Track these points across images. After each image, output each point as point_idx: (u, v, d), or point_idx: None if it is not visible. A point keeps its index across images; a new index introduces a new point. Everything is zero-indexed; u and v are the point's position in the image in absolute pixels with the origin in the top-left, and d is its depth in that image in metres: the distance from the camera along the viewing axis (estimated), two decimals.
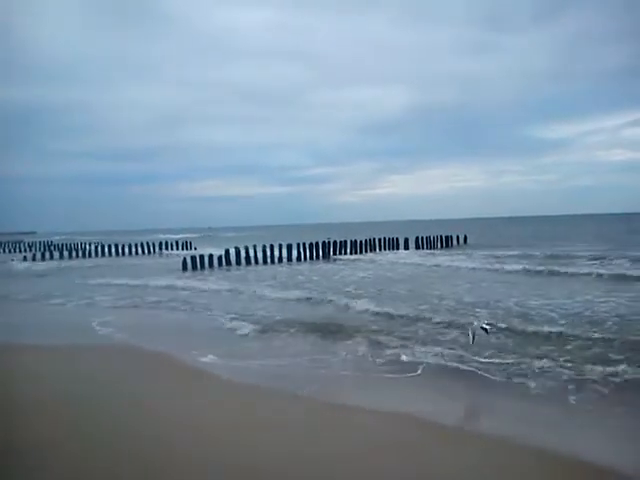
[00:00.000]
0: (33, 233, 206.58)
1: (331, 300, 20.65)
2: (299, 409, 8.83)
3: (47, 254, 59.08)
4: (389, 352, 12.44)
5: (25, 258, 55.68)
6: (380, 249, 52.43)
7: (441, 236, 59.19)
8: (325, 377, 10.70)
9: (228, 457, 6.81)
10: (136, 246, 64.21)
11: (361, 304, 19.11)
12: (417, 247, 54.52)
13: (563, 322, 15.24)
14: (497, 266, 32.93)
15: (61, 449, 7.01)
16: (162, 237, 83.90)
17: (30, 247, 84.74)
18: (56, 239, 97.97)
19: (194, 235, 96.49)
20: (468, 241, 60.26)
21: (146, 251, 64.35)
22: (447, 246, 56.77)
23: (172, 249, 65.55)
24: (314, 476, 6.36)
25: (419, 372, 10.79)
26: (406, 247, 54.64)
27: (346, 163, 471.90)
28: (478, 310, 17.45)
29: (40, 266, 47.38)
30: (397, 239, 55.58)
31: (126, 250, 63.03)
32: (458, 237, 60.26)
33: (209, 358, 12.17)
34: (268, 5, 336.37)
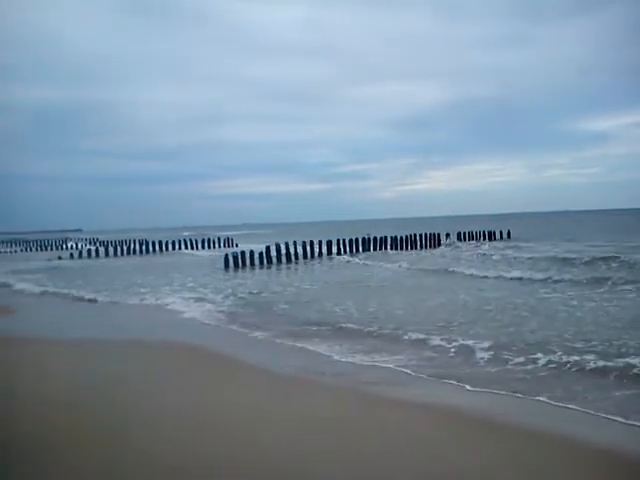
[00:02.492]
0: (79, 230, 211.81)
1: None
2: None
3: (93, 251, 60.50)
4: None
5: (72, 255, 57.14)
6: (422, 246, 51.81)
7: (484, 231, 58.45)
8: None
9: (270, 456, 6.80)
10: (179, 243, 65.29)
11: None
12: (459, 242, 53.93)
13: None
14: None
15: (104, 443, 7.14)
16: (203, 234, 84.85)
17: (76, 244, 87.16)
18: (102, 237, 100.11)
19: (232, 232, 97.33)
20: (512, 235, 59.15)
21: (189, 247, 65.37)
22: (490, 241, 55.92)
23: (214, 247, 66.25)
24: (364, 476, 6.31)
25: None
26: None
27: (382, 159, 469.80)
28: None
29: (91, 262, 48.58)
30: (438, 235, 55.05)
31: (169, 247, 64.22)
32: (502, 232, 59.30)
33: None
34: (299, 2, 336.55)
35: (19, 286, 28.60)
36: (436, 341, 13.21)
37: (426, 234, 54.40)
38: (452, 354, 12.13)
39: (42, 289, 26.86)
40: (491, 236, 58.21)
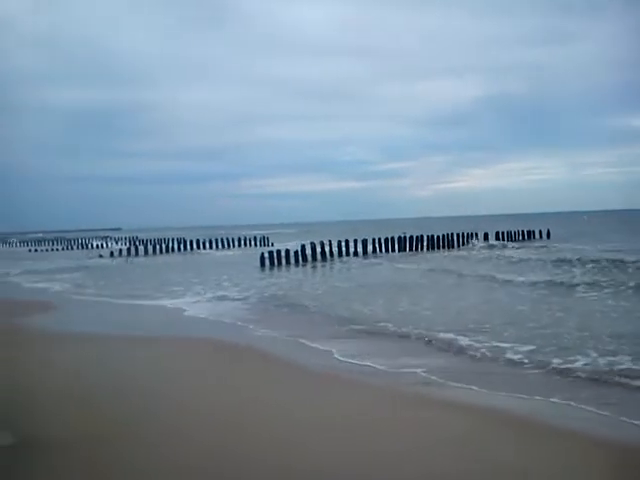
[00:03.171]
0: (119, 229, 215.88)
1: None
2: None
3: (132, 249, 61.53)
4: None
5: (112, 254, 58.15)
6: (458, 245, 51.14)
7: (522, 230, 57.41)
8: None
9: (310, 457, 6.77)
10: (217, 241, 65.98)
11: None
12: (497, 241, 53.05)
13: None
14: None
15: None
16: (238, 233, 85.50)
17: (117, 242, 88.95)
18: (141, 235, 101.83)
19: (268, 231, 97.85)
20: (551, 236, 57.69)
21: (225, 246, 65.99)
22: (529, 241, 54.89)
23: (250, 245, 66.68)
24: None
25: None
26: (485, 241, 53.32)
27: (419, 157, 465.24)
28: None
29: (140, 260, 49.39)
30: (476, 234, 54.34)
31: (207, 245, 64.95)
32: (541, 232, 58.10)
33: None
34: (337, 1, 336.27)
35: (59, 285, 29.25)
36: (468, 342, 13.06)
37: (463, 233, 53.75)
38: (485, 356, 11.94)
39: (82, 288, 27.42)
40: (530, 235, 57.17)
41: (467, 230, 55.96)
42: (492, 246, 49.09)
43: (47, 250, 77.43)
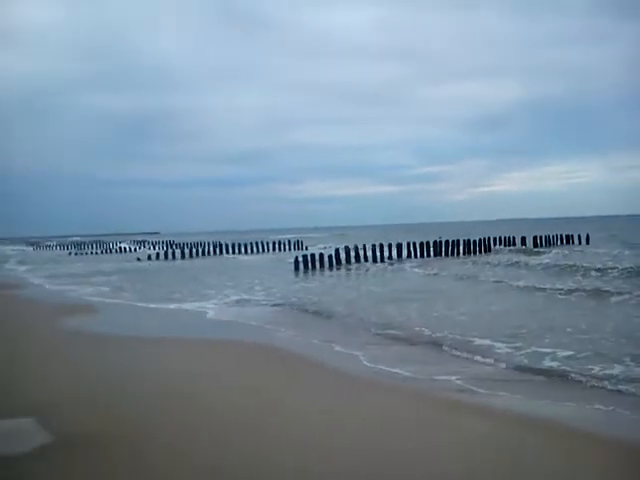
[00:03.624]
0: (157, 233, 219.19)
1: None
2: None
3: (170, 253, 62.46)
4: None
5: (149, 257, 59.12)
6: (494, 249, 50.33)
7: (561, 235, 56.32)
8: None
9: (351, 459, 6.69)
10: (251, 245, 66.50)
11: None
12: (535, 247, 52.14)
13: None
14: None
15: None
16: (273, 237, 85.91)
17: (154, 246, 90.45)
18: (178, 239, 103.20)
19: (303, 235, 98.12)
20: (590, 240, 56.19)
21: (260, 250, 66.44)
22: (567, 246, 53.68)
23: (285, 249, 66.91)
24: None
25: None
26: (523, 246, 52.44)
27: (456, 161, 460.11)
28: None
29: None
30: (513, 238, 53.54)
31: (242, 249, 65.52)
32: (580, 236, 56.76)
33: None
34: (370, 4, 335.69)
35: (98, 288, 29.79)
36: (504, 348, 12.87)
37: (500, 238, 53.02)
38: (522, 362, 11.69)
39: (119, 290, 27.87)
40: (568, 240, 55.97)
41: (504, 234, 55.15)
42: (529, 251, 48.18)
43: (86, 253, 79.03)
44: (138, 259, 58.07)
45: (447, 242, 48.33)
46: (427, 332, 15.03)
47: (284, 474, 6.33)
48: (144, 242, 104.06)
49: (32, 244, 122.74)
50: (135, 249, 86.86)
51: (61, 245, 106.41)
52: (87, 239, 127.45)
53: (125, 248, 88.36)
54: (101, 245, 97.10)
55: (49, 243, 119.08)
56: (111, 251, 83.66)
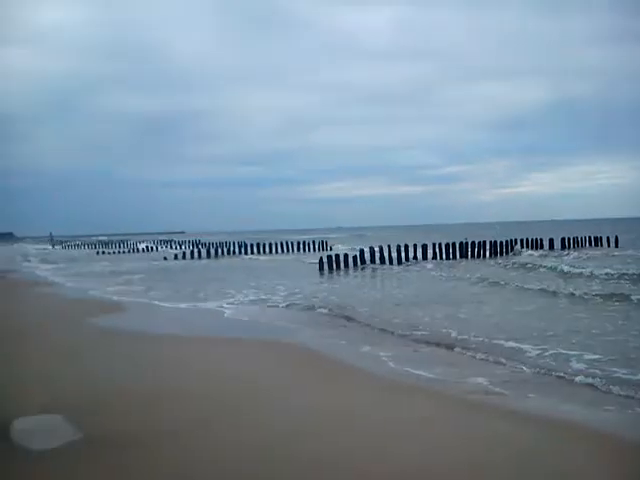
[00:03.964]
0: (182, 233, 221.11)
1: None
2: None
3: (195, 252, 63.04)
4: None
5: (175, 256, 59.76)
6: (519, 250, 49.79)
7: (589, 237, 55.50)
8: None
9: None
10: (275, 245, 66.75)
11: None
12: (562, 248, 51.46)
13: None
14: None
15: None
16: (297, 237, 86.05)
17: (180, 245, 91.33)
18: (203, 238, 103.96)
19: (326, 236, 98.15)
20: (620, 242, 55.09)
21: (284, 250, 66.62)
22: (596, 248, 52.82)
23: (309, 250, 66.96)
24: None
25: None
26: (551, 248, 51.79)
27: (480, 161, 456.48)
28: None
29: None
30: (541, 240, 52.91)
31: (266, 248, 65.84)
32: (608, 238, 55.82)
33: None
34: (391, 3, 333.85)
35: (126, 286, 30.17)
36: (532, 351, 12.78)
37: (527, 239, 52.43)
38: (550, 365, 11.58)
39: (147, 289, 28.18)
40: (597, 242, 55.08)
41: (531, 236, 54.52)
42: (555, 253, 47.59)
43: (113, 252, 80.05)
44: (165, 258, 58.70)
45: (473, 243, 47.85)
46: (453, 334, 14.97)
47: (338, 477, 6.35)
48: (171, 241, 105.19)
49: (59, 243, 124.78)
50: (157, 248, 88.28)
51: (88, 244, 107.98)
52: (113, 238, 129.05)
53: (151, 247, 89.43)
54: (127, 244, 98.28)
55: (77, 242, 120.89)
56: (137, 250, 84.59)
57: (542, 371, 11.18)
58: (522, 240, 51.69)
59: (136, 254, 76.84)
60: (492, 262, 41.44)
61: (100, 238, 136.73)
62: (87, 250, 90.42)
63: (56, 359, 12.34)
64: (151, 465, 6.60)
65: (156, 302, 22.77)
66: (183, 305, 21.97)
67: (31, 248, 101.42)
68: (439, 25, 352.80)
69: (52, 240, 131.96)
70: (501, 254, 47.49)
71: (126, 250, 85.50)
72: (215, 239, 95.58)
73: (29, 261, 58.99)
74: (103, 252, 79.68)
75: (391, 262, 42.64)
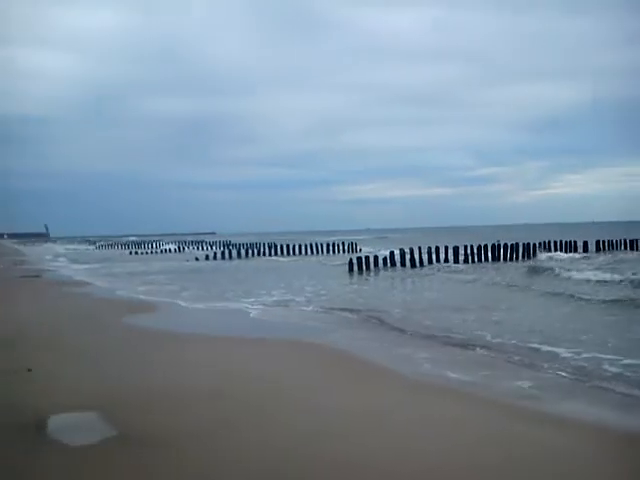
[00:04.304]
0: (213, 234, 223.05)
1: None
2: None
3: (226, 252, 63.64)
4: None
5: (207, 257, 60.34)
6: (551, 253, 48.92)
7: (625, 240, 54.19)
8: None
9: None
10: (305, 246, 66.89)
11: None
12: (597, 251, 50.47)
13: None
14: None
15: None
16: (327, 239, 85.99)
17: (211, 246, 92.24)
18: (234, 240, 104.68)
19: (356, 237, 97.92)
20: None
21: (314, 252, 66.70)
22: (632, 251, 51.59)
23: (338, 251, 66.88)
24: None
25: None
26: (585, 250, 50.80)
27: (514, 163, 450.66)
28: None
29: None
30: (575, 242, 51.92)
31: (296, 250, 66.01)
32: None
33: None
34: (427, 4, 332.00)
35: (158, 286, 30.53)
36: (567, 354, 12.56)
37: (561, 241, 51.54)
38: (585, 369, 11.35)
39: (179, 290, 28.50)
40: (633, 245, 53.79)
41: (565, 238, 53.59)
42: (589, 256, 46.64)
43: (145, 252, 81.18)
44: (196, 259, 59.31)
45: (505, 246, 47.11)
46: (487, 337, 14.77)
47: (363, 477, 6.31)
48: (202, 242, 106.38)
49: (92, 243, 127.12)
50: (188, 248, 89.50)
51: (120, 244, 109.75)
52: (145, 239, 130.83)
53: (183, 248, 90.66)
54: (159, 244, 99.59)
55: (110, 242, 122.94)
56: (170, 251, 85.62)
57: (577, 375, 10.97)
58: (555, 242, 50.83)
59: (168, 254, 77.87)
60: (524, 264, 40.77)
61: (130, 239, 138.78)
62: (120, 250, 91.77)
63: (88, 358, 12.52)
64: (176, 465, 6.61)
65: (186, 303, 22.93)
66: (217, 304, 22.17)
67: (62, 248, 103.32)
68: (475, 27, 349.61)
69: (89, 241, 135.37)
70: (533, 256, 46.65)
71: (158, 251, 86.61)
72: (245, 240, 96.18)
73: (60, 261, 60.14)
74: (136, 252, 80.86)
75: (422, 264, 42.28)
